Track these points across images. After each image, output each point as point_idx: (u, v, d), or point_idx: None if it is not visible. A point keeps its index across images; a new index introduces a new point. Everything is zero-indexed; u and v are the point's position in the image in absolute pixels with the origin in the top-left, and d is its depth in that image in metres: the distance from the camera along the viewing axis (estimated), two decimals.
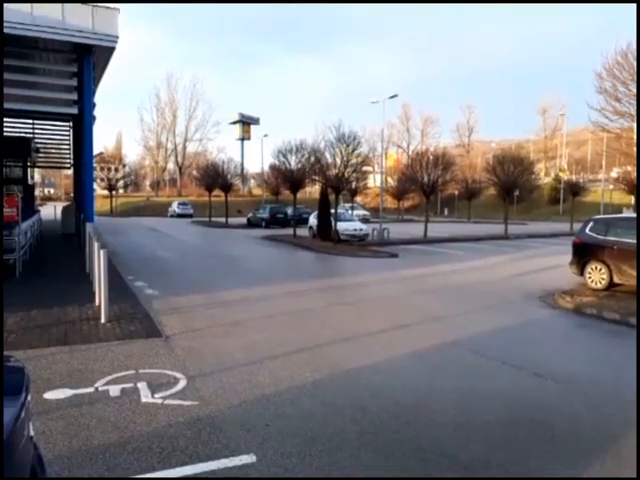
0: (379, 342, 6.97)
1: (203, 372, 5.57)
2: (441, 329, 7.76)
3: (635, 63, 30.44)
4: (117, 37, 14.10)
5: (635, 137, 31.11)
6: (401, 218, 46.85)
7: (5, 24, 12.70)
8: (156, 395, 4.88)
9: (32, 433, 2.32)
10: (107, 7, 14.14)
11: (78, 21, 13.71)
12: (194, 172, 60.54)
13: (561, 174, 47.76)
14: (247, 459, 3.72)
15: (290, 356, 6.24)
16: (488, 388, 5.30)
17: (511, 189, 29.33)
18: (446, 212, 57.92)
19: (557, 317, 8.86)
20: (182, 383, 5.21)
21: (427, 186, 24.83)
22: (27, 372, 2.40)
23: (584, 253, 11.32)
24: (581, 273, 11.30)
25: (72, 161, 26.47)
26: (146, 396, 4.85)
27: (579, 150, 71.98)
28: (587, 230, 11.43)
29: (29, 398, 2.25)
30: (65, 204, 29.31)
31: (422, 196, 29.54)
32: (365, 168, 25.15)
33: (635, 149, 31.30)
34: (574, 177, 44.09)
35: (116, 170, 56.26)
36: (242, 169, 54.40)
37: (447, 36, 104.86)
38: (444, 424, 4.38)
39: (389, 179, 50.91)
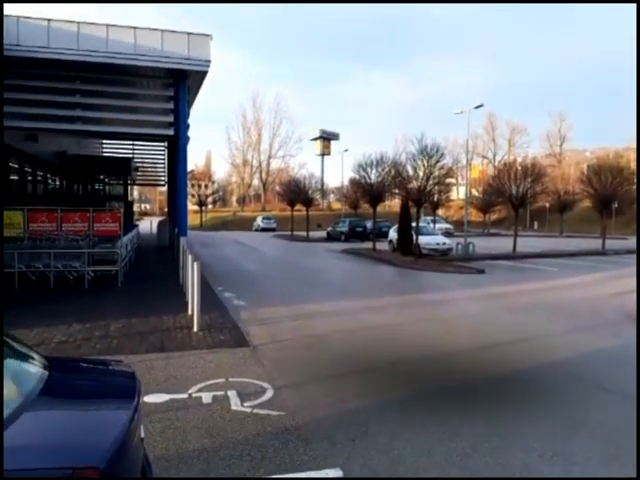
0: (465, 360, 6.73)
1: (289, 383, 5.68)
2: (534, 350, 7.34)
3: None
4: (209, 61, 14.97)
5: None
6: (487, 232, 45.10)
7: (110, 54, 13.99)
8: (245, 404, 5.04)
9: (142, 435, 2.50)
10: (200, 34, 15.08)
11: (175, 48, 14.73)
12: (277, 188, 62.42)
13: None
14: (333, 473, 3.74)
15: (374, 372, 6.21)
16: (588, 413, 4.94)
17: (609, 201, 27.28)
18: (536, 226, 54.91)
19: None
20: (269, 393, 5.34)
21: (515, 198, 23.76)
22: (138, 378, 2.59)
23: None
24: None
25: (167, 178, 28.33)
26: (236, 404, 5.04)
27: None
28: None
29: (141, 402, 2.43)
30: (160, 219, 31.37)
31: (510, 209, 28.32)
32: (448, 180, 24.55)
33: None
34: None
35: (206, 187, 59.49)
36: (322, 184, 55.30)
37: (533, 42, 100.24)
38: None
39: (474, 191, 49.29)
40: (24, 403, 2.17)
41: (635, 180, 28.00)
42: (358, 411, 4.94)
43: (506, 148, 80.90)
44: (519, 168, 25.63)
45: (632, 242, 31.90)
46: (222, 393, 5.31)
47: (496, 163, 75.32)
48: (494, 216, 55.14)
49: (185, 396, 5.24)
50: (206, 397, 5.20)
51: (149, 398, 5.12)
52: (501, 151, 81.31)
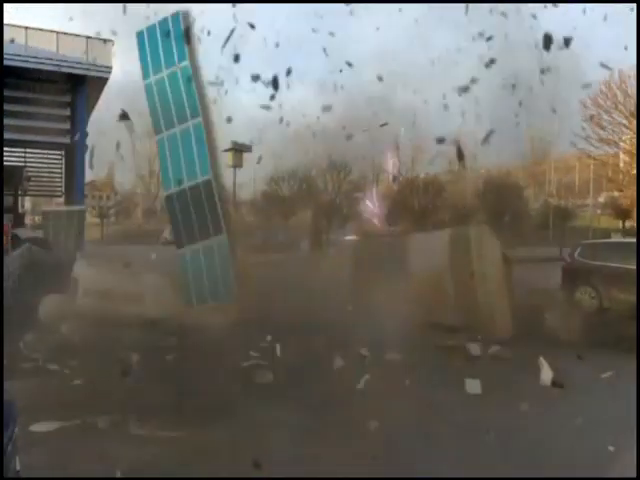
0: None
1: None
2: None
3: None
4: (110, 68, 14.33)
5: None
6: None
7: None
8: None
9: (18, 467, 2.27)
10: (101, 39, 14.41)
11: (72, 52, 13.94)
12: None
13: (550, 200, 48.34)
14: None
15: None
16: None
17: (501, 215, 29.68)
18: None
19: None
20: None
21: (418, 212, 25.09)
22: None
23: None
24: None
25: (64, 189, 26.43)
26: None
27: (567, 176, 72.92)
28: None
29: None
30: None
31: (413, 222, 29.79)
32: (356, 194, 25.44)
33: (620, 176, 31.86)
34: (562, 202, 44.59)
35: (107, 198, 56.24)
36: (234, 197, 54.52)
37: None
38: None
39: None
40: None
41: (526, 194, 30.79)
42: None
43: (410, 165, 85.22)
44: (421, 184, 27.15)
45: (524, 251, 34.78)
46: None
47: (400, 179, 78.94)
48: (398, 229, 57.52)
49: None
50: None
51: None
52: (405, 167, 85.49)
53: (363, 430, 4.75)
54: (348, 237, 37.87)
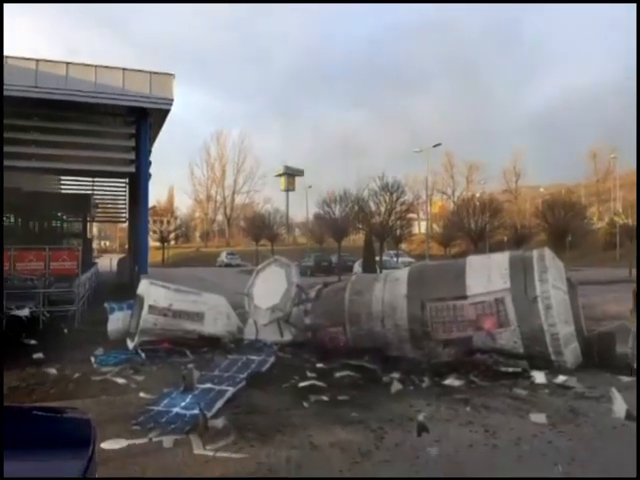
0: None
1: None
2: None
3: None
4: (172, 100, 15.09)
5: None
6: None
7: (69, 92, 13.91)
8: None
9: None
10: (163, 73, 15.24)
11: (136, 87, 14.79)
12: (242, 223, 62.26)
13: (616, 218, 45.97)
14: None
15: None
16: None
17: (563, 235, 28.49)
18: None
19: None
20: None
21: (474, 232, 24.52)
22: (93, 424, 2.48)
23: None
24: None
25: (127, 215, 27.84)
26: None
27: (634, 193, 69.26)
28: None
29: (96, 449, 2.31)
30: (120, 256, 30.62)
31: (469, 243, 29.13)
32: (409, 215, 25.18)
33: None
34: (630, 221, 42.33)
35: (168, 223, 58.59)
36: (287, 219, 55.52)
37: (494, 83, 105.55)
38: None
39: (434, 226, 50.51)
40: None
41: (589, 213, 29.50)
42: None
43: (464, 185, 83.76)
44: (477, 204, 26.57)
45: (589, 273, 33.14)
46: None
47: (455, 199, 77.67)
48: (454, 250, 56.46)
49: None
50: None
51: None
52: (460, 187, 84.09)
53: (423, 455, 4.66)
54: (401, 259, 37.62)
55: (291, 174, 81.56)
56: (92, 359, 8.61)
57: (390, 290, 8.44)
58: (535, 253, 7.76)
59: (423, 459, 4.62)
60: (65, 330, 11.25)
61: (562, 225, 27.15)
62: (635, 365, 6.91)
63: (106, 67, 14.73)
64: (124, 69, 14.82)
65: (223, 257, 51.99)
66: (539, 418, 5.52)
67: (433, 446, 4.82)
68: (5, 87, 13.19)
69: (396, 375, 7.14)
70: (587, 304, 8.53)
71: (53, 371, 7.85)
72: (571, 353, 7.33)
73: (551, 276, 7.31)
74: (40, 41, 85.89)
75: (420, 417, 5.39)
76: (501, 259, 7.98)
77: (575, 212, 28.32)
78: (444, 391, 6.60)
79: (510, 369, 7.16)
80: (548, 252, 7.78)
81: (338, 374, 7.38)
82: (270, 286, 10.25)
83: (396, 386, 6.72)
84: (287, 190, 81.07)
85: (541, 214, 29.41)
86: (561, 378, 6.80)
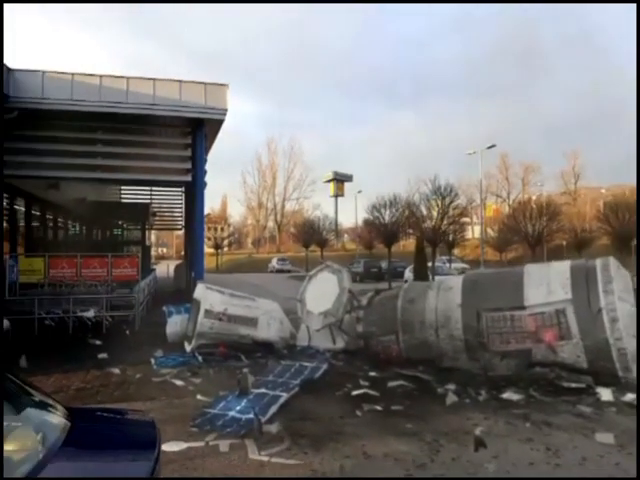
0: None
1: None
2: None
3: None
4: (226, 110, 15.48)
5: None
6: None
7: (130, 105, 14.56)
8: None
9: None
10: (217, 84, 15.66)
11: (192, 98, 15.28)
12: (292, 229, 63.00)
13: None
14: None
15: None
16: None
17: (628, 239, 26.99)
18: None
19: None
20: None
21: (531, 237, 23.67)
22: (157, 426, 2.58)
23: None
24: None
25: (184, 222, 28.77)
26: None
27: None
28: None
29: (161, 451, 2.40)
30: (177, 262, 31.64)
31: (526, 247, 28.13)
32: (463, 220, 24.62)
33: None
34: None
35: (222, 230, 60.12)
36: (336, 225, 55.68)
37: (544, 80, 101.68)
38: None
39: (489, 230, 49.12)
40: (48, 455, 2.19)
41: None
42: None
43: (520, 187, 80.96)
44: (534, 207, 25.65)
45: None
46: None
47: (510, 202, 75.27)
48: (510, 255, 54.64)
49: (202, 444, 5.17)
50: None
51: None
52: (515, 190, 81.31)
53: (480, 471, 4.54)
54: (454, 265, 36.79)
55: (340, 180, 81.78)
56: (152, 360, 8.97)
57: (444, 299, 8.27)
58: (599, 262, 7.37)
59: (481, 475, 4.50)
60: (127, 332, 11.79)
61: (626, 228, 25.71)
62: None
63: (163, 80, 15.30)
64: (180, 81, 15.34)
65: (274, 263, 52.79)
66: (606, 438, 5.23)
67: (491, 462, 4.68)
68: (72, 102, 14.01)
69: (451, 387, 7.00)
70: None
71: (117, 371, 8.25)
72: None
73: (617, 287, 6.92)
74: (102, 56, 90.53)
75: (477, 431, 5.26)
76: (562, 268, 7.63)
77: None
78: (502, 405, 6.39)
79: (573, 384, 6.83)
80: (613, 261, 7.37)
81: (391, 383, 7.32)
82: (322, 292, 10.33)
83: (451, 398, 6.57)
84: (336, 196, 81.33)
85: (603, 217, 28.01)
86: (630, 396, 6.40)
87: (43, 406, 2.77)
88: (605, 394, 6.49)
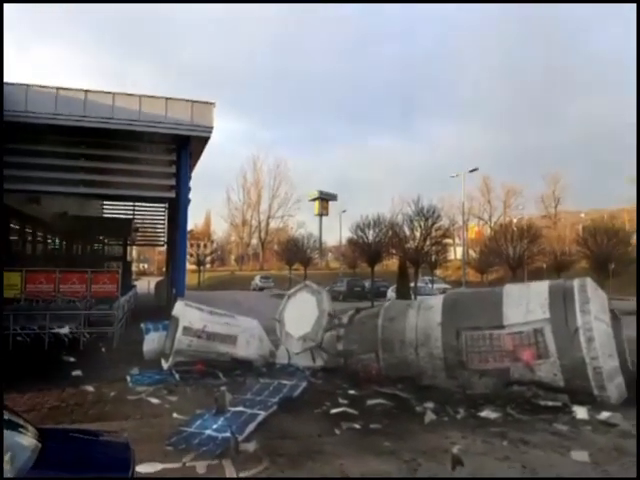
0: None
1: None
2: None
3: None
4: (212, 128, 15.54)
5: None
6: None
7: (115, 121, 14.54)
8: None
9: None
10: (204, 102, 15.75)
11: (178, 115, 15.31)
12: (275, 247, 62.84)
13: None
14: None
15: None
16: None
17: (606, 262, 27.48)
18: None
19: None
20: None
21: (513, 259, 23.94)
22: (132, 448, 2.55)
23: None
24: None
25: (166, 239, 28.55)
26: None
27: None
28: None
29: (134, 472, 2.37)
30: (158, 279, 31.28)
31: (508, 269, 28.45)
32: (445, 241, 24.84)
33: None
34: None
35: (205, 246, 59.72)
36: (320, 244, 55.70)
37: (529, 105, 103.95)
38: None
39: (471, 252, 49.63)
40: (17, 476, 2.15)
41: (634, 240, 28.37)
42: None
43: (502, 210, 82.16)
44: (515, 229, 26.02)
45: (635, 303, 31.69)
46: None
47: (492, 224, 76.25)
48: (492, 276, 55.11)
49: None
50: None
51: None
52: (497, 212, 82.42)
53: None
54: (437, 285, 36.99)
55: (324, 199, 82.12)
56: (128, 378, 8.81)
57: (424, 317, 8.32)
58: (576, 283, 7.50)
59: None
60: (103, 350, 11.56)
61: (605, 252, 26.19)
62: None
63: (149, 96, 15.33)
64: (167, 98, 15.39)
65: (257, 281, 52.50)
66: (581, 456, 5.28)
67: None
68: (56, 117, 13.95)
69: (430, 405, 7.01)
70: (633, 337, 8.10)
71: (92, 389, 8.07)
72: (615, 388, 6.97)
73: (593, 307, 7.05)
74: (87, 72, 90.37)
75: (455, 450, 5.26)
76: (540, 288, 7.75)
77: (619, 239, 27.31)
78: (480, 423, 6.41)
79: (550, 403, 6.88)
80: (590, 282, 7.52)
81: (370, 402, 7.30)
82: (301, 313, 10.25)
83: (430, 416, 6.58)
84: (320, 215, 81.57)
85: (582, 240, 28.48)
86: (604, 414, 6.48)
87: (13, 426, 2.72)
88: (580, 412, 6.56)
